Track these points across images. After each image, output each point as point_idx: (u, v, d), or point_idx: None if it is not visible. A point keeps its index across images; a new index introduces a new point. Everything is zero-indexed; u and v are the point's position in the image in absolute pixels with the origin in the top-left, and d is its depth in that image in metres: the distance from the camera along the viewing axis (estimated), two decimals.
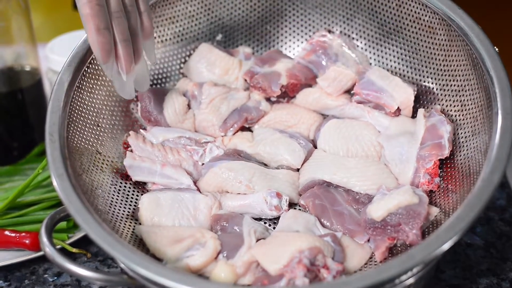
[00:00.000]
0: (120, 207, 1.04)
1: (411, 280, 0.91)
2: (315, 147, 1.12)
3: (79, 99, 1.07)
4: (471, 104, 1.05)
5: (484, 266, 1.09)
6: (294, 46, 1.26)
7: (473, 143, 1.01)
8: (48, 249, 0.92)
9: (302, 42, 1.24)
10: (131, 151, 1.11)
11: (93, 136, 1.08)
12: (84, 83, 1.08)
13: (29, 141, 1.36)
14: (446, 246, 0.85)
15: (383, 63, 1.19)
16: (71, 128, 1.03)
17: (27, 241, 1.11)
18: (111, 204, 1.03)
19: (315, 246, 0.93)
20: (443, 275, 1.08)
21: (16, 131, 1.36)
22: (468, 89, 1.06)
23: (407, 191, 0.99)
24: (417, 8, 1.13)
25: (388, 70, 1.17)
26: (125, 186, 1.08)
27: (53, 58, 1.30)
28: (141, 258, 0.88)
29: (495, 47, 1.02)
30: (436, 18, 1.10)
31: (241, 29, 1.26)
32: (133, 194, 1.08)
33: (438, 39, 1.11)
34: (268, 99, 1.17)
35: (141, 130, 1.14)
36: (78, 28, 1.39)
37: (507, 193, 1.22)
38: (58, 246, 1.10)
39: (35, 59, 1.35)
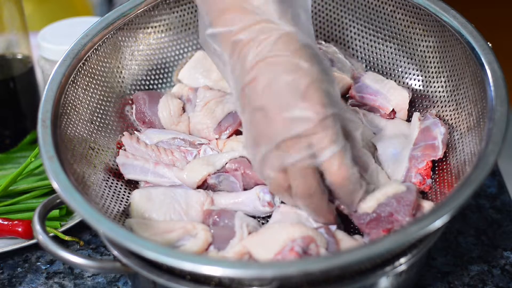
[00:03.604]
0: (111, 202, 1.04)
1: (403, 267, 0.92)
2: None
3: (74, 94, 1.07)
4: (466, 101, 1.06)
5: (475, 253, 1.09)
6: None
7: (468, 140, 1.02)
8: (41, 236, 0.93)
9: None
10: (125, 150, 1.10)
11: (86, 132, 1.08)
12: (79, 79, 1.09)
13: (21, 129, 1.36)
14: (441, 221, 0.86)
15: (378, 70, 1.20)
16: (64, 120, 1.04)
17: (19, 229, 1.12)
18: (102, 197, 1.03)
19: (308, 235, 0.93)
20: (434, 262, 1.08)
21: (8, 119, 1.35)
22: (463, 87, 1.07)
23: (393, 182, 1.00)
24: (411, 12, 1.14)
25: (384, 75, 1.18)
26: (116, 184, 1.08)
27: (45, 46, 1.30)
28: (132, 235, 0.89)
29: (488, 43, 1.04)
30: (430, 21, 1.11)
31: None
32: (124, 193, 1.08)
33: (433, 41, 1.12)
34: None
35: (135, 131, 1.15)
36: (70, 16, 1.40)
37: (498, 181, 1.22)
38: (51, 234, 1.10)
39: (27, 47, 1.34)
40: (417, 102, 1.15)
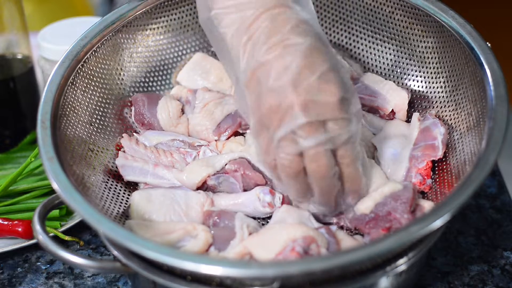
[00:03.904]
0: (110, 204, 1.04)
1: (403, 267, 0.92)
2: None
3: (73, 95, 1.07)
4: (466, 101, 1.06)
5: (475, 253, 1.09)
6: None
7: (468, 139, 1.02)
8: (41, 236, 0.92)
9: None
10: (124, 152, 1.10)
11: (85, 133, 1.08)
12: (78, 81, 1.08)
13: (21, 129, 1.35)
14: (442, 221, 0.86)
15: (377, 71, 1.19)
16: (63, 121, 1.03)
17: (19, 229, 1.11)
18: (101, 199, 1.03)
19: (309, 235, 0.93)
20: (434, 262, 1.08)
21: (8, 119, 1.35)
22: (462, 87, 1.07)
23: (390, 182, 1.00)
24: (410, 13, 1.14)
25: (382, 76, 1.18)
26: (116, 186, 1.07)
27: (45, 46, 1.29)
28: (132, 235, 0.89)
29: (487, 43, 1.04)
30: (429, 21, 1.11)
31: None
32: (124, 194, 1.07)
33: (432, 42, 1.12)
34: None
35: (134, 133, 1.14)
36: (70, 16, 1.39)
37: (498, 181, 1.22)
38: (51, 234, 1.10)
39: (27, 47, 1.34)
40: (416, 103, 1.15)
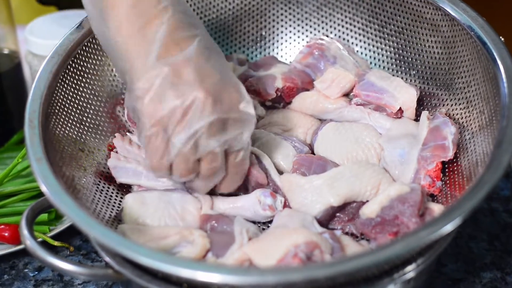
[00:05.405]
0: (102, 207, 1.02)
1: (411, 274, 0.90)
2: (313, 152, 1.10)
3: (62, 93, 1.05)
4: (477, 99, 1.04)
5: (488, 259, 1.08)
6: (291, 53, 1.24)
7: (480, 139, 1.00)
8: (29, 242, 0.90)
9: (298, 49, 1.23)
10: (116, 153, 1.08)
11: (76, 132, 1.06)
12: (68, 77, 1.07)
13: (8, 128, 1.34)
14: (452, 225, 0.84)
15: (384, 67, 1.18)
16: (52, 120, 1.01)
17: (6, 234, 1.10)
18: (93, 202, 1.01)
19: (312, 241, 0.90)
20: (445, 269, 1.06)
21: None
22: (474, 84, 1.05)
23: (396, 183, 0.98)
24: (418, 6, 1.13)
25: (390, 73, 1.17)
26: (108, 188, 1.05)
27: (33, 40, 1.28)
28: (125, 240, 0.88)
29: (500, 37, 1.02)
30: (438, 15, 1.10)
31: (235, 35, 1.24)
32: (116, 197, 1.05)
33: (442, 36, 1.11)
34: (263, 104, 1.15)
35: (127, 133, 1.12)
36: (58, 9, 1.40)
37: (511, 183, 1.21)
38: (39, 239, 1.08)
39: (13, 42, 1.33)
40: (425, 100, 1.13)
